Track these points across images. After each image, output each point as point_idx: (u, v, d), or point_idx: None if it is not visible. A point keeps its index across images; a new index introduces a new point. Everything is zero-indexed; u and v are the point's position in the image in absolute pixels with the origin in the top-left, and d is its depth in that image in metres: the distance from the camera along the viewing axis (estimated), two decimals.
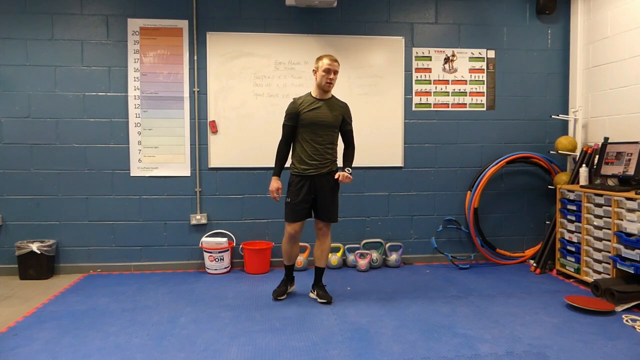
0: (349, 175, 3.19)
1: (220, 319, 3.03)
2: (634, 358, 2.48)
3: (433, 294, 3.52)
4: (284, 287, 3.42)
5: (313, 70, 3.22)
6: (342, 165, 3.28)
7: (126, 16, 4.05)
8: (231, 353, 2.54)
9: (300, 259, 4.12)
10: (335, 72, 3.16)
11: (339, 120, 3.23)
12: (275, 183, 3.24)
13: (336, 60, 3.18)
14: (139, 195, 4.13)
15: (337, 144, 3.30)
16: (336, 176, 3.19)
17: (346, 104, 3.32)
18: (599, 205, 3.53)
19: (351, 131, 3.33)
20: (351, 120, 3.33)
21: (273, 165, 3.28)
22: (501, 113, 4.43)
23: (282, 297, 3.38)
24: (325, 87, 3.15)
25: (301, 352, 2.56)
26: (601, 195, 3.50)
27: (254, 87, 4.17)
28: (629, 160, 3.53)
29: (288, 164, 3.32)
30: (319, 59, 3.17)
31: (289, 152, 3.28)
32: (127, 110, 4.09)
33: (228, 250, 4.09)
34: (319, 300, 3.32)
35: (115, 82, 4.08)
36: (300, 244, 4.10)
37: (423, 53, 4.34)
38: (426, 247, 4.43)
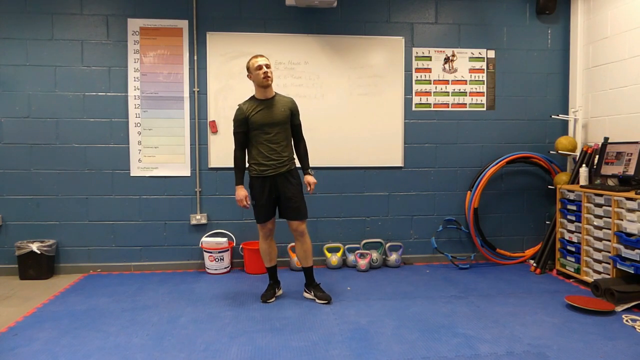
0: (314, 180, 3.32)
1: (220, 319, 3.03)
2: (634, 358, 2.48)
3: (433, 294, 3.52)
4: (271, 291, 3.41)
5: (247, 75, 3.23)
6: (300, 167, 3.34)
7: (126, 16, 4.05)
8: (231, 353, 2.54)
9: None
10: (268, 66, 3.14)
11: (287, 116, 3.24)
12: (241, 192, 3.25)
13: (262, 55, 3.19)
14: (139, 195, 4.13)
15: (291, 141, 3.33)
16: (308, 190, 3.29)
17: (292, 99, 3.33)
18: (599, 205, 3.53)
19: (300, 125, 3.34)
20: (299, 115, 3.33)
21: (234, 173, 3.29)
22: (501, 113, 4.43)
23: (271, 300, 3.35)
24: (263, 82, 3.13)
25: (301, 352, 2.56)
26: (601, 195, 3.50)
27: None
28: (629, 160, 3.53)
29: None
30: (248, 63, 3.19)
31: (245, 158, 3.30)
32: (127, 110, 4.09)
33: (228, 250, 4.09)
34: (317, 301, 3.31)
35: (115, 82, 4.08)
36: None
37: (423, 53, 4.34)
38: (426, 247, 4.43)
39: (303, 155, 3.37)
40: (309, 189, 3.31)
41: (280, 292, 3.51)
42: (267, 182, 3.22)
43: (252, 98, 3.26)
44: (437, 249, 4.38)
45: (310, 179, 3.32)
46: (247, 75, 3.23)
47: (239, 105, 3.26)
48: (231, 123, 4.15)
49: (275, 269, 3.46)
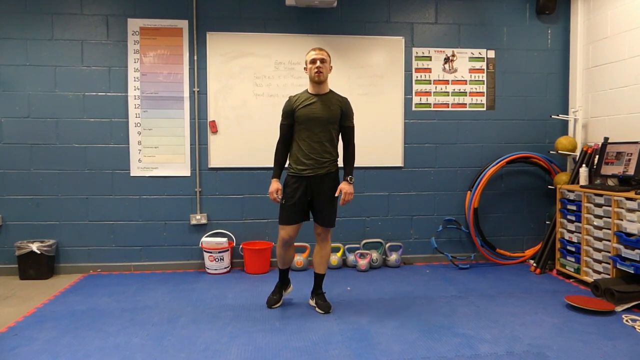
0: (351, 190, 3.07)
1: (220, 319, 3.03)
2: (634, 358, 2.48)
3: (433, 294, 3.52)
4: (278, 295, 3.28)
5: (304, 68, 3.13)
6: (342, 169, 3.13)
7: (126, 16, 4.05)
8: (231, 353, 2.54)
9: (300, 259, 4.12)
10: (323, 61, 3.02)
11: (336, 116, 3.07)
12: (274, 184, 3.10)
13: (323, 49, 3.06)
14: (139, 195, 4.13)
15: (337, 143, 3.15)
16: (337, 193, 3.07)
17: (346, 99, 3.16)
18: (599, 205, 3.53)
19: (351, 128, 3.14)
20: (352, 117, 3.15)
21: (273, 165, 3.17)
22: (501, 113, 4.43)
23: (276, 305, 3.24)
24: (314, 77, 3.01)
25: (301, 352, 2.56)
26: (601, 195, 3.50)
27: (254, 87, 4.17)
28: (629, 160, 3.53)
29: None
30: (306, 54, 3.09)
31: (287, 152, 3.16)
32: (127, 110, 4.09)
33: (228, 250, 4.09)
34: (317, 309, 3.18)
35: (115, 82, 4.08)
36: (300, 244, 4.12)
37: (423, 53, 4.34)
38: (426, 247, 4.43)
39: (348, 161, 3.13)
40: (342, 198, 3.06)
41: (290, 288, 3.39)
42: (303, 183, 3.05)
43: (305, 92, 3.13)
44: (437, 249, 4.38)
45: (345, 187, 3.05)
46: (304, 68, 3.12)
47: (289, 96, 3.14)
48: (231, 123, 4.20)
49: (287, 271, 3.32)
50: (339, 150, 3.18)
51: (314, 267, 3.23)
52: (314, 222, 3.18)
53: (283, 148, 3.14)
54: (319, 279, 3.24)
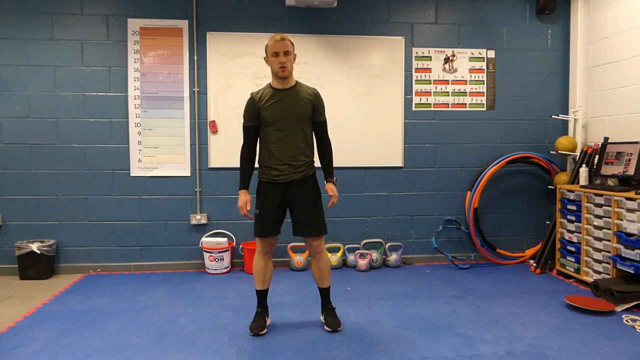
0: (335, 192, 2.77)
1: (220, 319, 3.03)
2: (634, 358, 2.48)
3: (433, 294, 3.52)
4: (261, 320, 2.82)
5: (264, 58, 2.72)
6: (322, 171, 2.84)
7: (126, 16, 4.05)
8: (231, 353, 2.54)
9: (300, 259, 4.12)
10: (287, 53, 2.62)
11: (308, 112, 2.71)
12: (243, 197, 2.73)
13: (285, 37, 2.64)
14: (139, 195, 4.13)
15: (311, 142, 2.80)
16: (329, 205, 2.78)
17: (316, 90, 2.79)
18: (599, 205, 3.53)
19: (324, 123, 2.80)
20: (324, 110, 2.80)
21: (239, 174, 2.82)
22: (501, 113, 4.43)
23: (262, 332, 2.78)
24: (279, 72, 2.63)
25: (301, 352, 2.56)
26: (601, 195, 3.50)
27: (254, 87, 4.15)
28: (629, 160, 3.53)
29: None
30: (266, 44, 2.67)
31: (254, 158, 2.80)
32: (127, 110, 4.09)
33: (228, 250, 4.09)
34: (325, 327, 2.84)
35: (115, 82, 4.07)
36: (300, 244, 4.11)
37: (423, 53, 4.34)
38: (426, 247, 4.43)
39: (326, 160, 2.82)
40: (331, 200, 2.77)
41: (269, 321, 2.93)
42: (279, 190, 2.71)
43: (268, 86, 2.75)
44: (437, 249, 4.38)
45: (332, 188, 2.77)
46: (264, 58, 2.72)
47: (250, 94, 2.77)
48: (231, 123, 4.20)
49: (266, 293, 2.89)
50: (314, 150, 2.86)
51: (316, 282, 2.91)
52: (305, 240, 2.79)
53: (250, 153, 2.79)
54: (324, 292, 2.91)
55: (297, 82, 2.77)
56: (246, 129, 2.78)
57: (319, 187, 2.82)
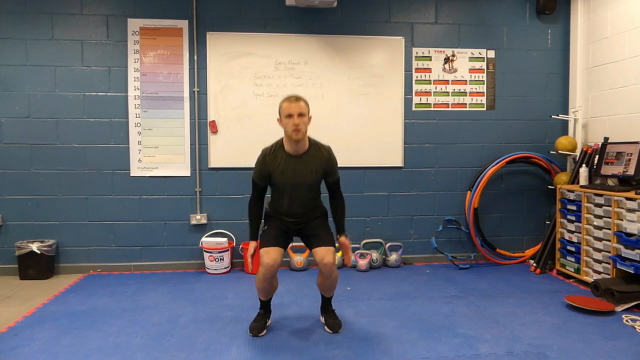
0: (348, 244, 2.78)
1: (220, 319, 3.03)
2: (634, 358, 2.48)
3: (433, 294, 3.52)
4: (262, 321, 2.83)
5: (277, 119, 2.67)
6: (334, 223, 2.84)
7: (126, 16, 4.05)
8: (231, 353, 2.54)
9: (300, 259, 4.12)
10: (301, 115, 2.55)
11: (319, 178, 2.73)
12: (252, 246, 2.74)
13: (300, 98, 2.61)
14: (139, 195, 4.13)
15: (320, 194, 2.84)
16: (345, 262, 2.81)
17: (328, 152, 2.74)
18: (599, 205, 3.53)
19: (337, 183, 2.80)
20: (336, 169, 2.78)
21: (248, 224, 2.82)
22: (501, 113, 4.43)
23: (262, 334, 2.78)
24: (293, 135, 2.56)
25: (301, 352, 2.56)
26: (601, 195, 3.50)
27: (254, 87, 4.17)
28: (629, 160, 3.53)
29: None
30: (280, 103, 2.64)
31: (263, 207, 2.80)
32: (127, 110, 4.09)
33: (228, 250, 4.09)
34: (326, 328, 2.85)
35: (115, 82, 4.07)
36: (300, 244, 4.10)
37: (423, 53, 4.34)
38: (426, 247, 4.43)
39: (339, 215, 2.82)
40: (345, 257, 2.78)
41: (269, 323, 2.94)
42: (290, 224, 2.79)
43: (281, 148, 2.68)
44: (437, 249, 4.38)
45: (345, 241, 2.77)
46: (277, 120, 2.67)
47: (263, 150, 2.72)
48: (231, 123, 4.20)
49: (270, 301, 2.90)
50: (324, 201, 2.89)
51: (321, 291, 2.88)
52: (314, 254, 2.73)
53: (259, 204, 2.77)
54: (326, 300, 2.93)
55: (309, 143, 2.71)
56: (255, 184, 2.76)
57: (327, 213, 2.88)
